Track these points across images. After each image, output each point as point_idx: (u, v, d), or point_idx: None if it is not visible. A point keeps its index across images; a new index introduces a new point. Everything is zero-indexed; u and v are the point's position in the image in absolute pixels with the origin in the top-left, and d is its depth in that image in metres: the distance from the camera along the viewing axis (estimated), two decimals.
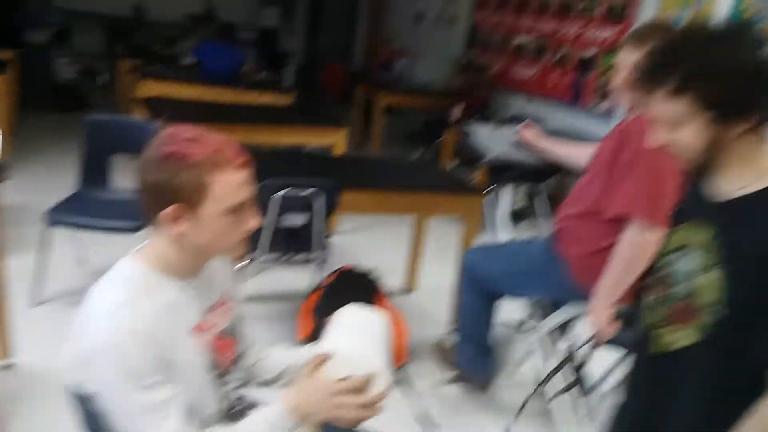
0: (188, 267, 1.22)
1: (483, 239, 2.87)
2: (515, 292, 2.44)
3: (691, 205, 1.32)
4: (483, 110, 6.07)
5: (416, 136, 6.91)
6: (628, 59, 1.97)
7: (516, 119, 5.98)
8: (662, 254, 1.36)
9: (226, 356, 1.31)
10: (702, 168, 1.24)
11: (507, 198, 2.67)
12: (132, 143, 3.26)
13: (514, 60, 6.53)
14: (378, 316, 1.45)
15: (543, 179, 2.70)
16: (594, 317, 2.09)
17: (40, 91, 6.42)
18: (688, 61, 1.16)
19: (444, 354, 2.80)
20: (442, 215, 4.01)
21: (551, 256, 2.23)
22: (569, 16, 5.81)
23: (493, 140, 2.68)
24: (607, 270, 2.02)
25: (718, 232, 1.22)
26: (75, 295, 3.04)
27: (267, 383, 1.49)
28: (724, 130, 1.17)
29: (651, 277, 1.39)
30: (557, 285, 2.22)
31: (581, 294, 2.13)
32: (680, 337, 1.28)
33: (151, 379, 1.09)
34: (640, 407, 1.41)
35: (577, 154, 2.38)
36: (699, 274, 1.24)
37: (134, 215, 2.93)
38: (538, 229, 2.49)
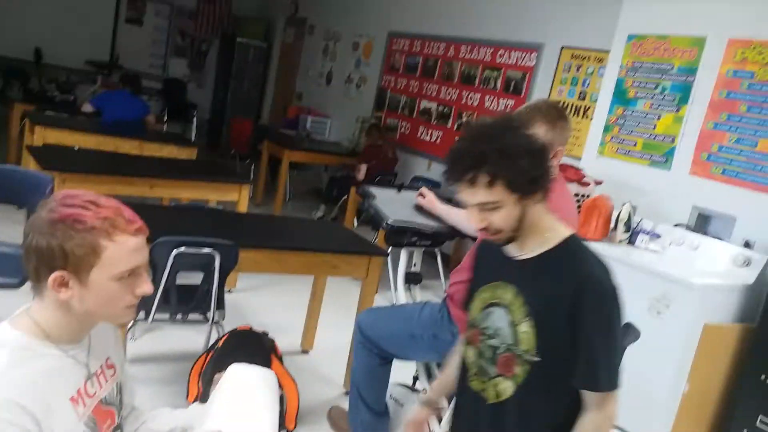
0: (70, 333, 1.18)
1: (380, 300, 2.91)
2: (406, 354, 2.48)
3: (494, 267, 1.51)
4: (387, 170, 6.24)
5: (321, 193, 6.97)
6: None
7: (417, 181, 6.19)
8: (474, 312, 1.54)
9: (105, 426, 1.26)
10: (510, 239, 1.43)
11: (404, 261, 2.73)
12: (20, 195, 3.14)
13: (419, 123, 6.79)
14: (265, 375, 1.45)
15: (439, 243, 2.78)
16: None
17: None
18: (490, 155, 1.33)
19: (339, 421, 2.77)
20: (341, 276, 4.04)
21: (444, 320, 2.29)
22: (472, 86, 6.15)
23: (392, 204, 2.76)
24: None
25: (518, 290, 1.43)
26: None
27: None
28: (526, 205, 1.39)
29: (467, 333, 1.56)
30: (446, 348, 2.27)
31: None
32: (506, 387, 1.45)
33: None
34: None
35: (464, 217, 2.49)
36: (517, 325, 1.42)
37: (16, 270, 2.76)
38: (434, 291, 2.57)
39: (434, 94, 6.64)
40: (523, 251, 1.45)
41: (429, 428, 1.79)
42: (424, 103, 6.77)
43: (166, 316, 2.83)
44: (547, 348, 1.39)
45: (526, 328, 1.41)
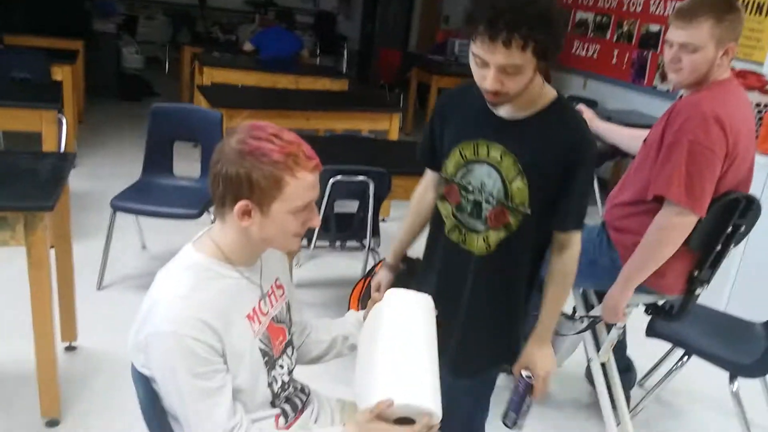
0: (246, 256, 1.27)
1: None
2: None
3: (472, 126, 1.54)
4: None
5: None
6: (674, 37, 1.91)
7: (572, 101, 5.85)
8: (450, 168, 1.58)
9: (278, 342, 1.35)
10: (508, 102, 1.43)
11: None
12: (193, 131, 3.42)
13: (573, 38, 6.35)
14: (421, 299, 1.47)
15: (597, 164, 2.61)
16: (608, 301, 2.05)
17: (106, 79, 6.68)
18: (530, 18, 1.28)
19: None
20: None
21: (603, 245, 2.18)
22: None
23: None
24: (635, 252, 1.97)
25: (506, 149, 1.49)
26: (136, 280, 3.20)
27: (315, 359, 1.55)
28: (538, 72, 1.40)
29: (448, 186, 1.61)
30: (605, 274, 2.17)
31: None
32: (498, 237, 1.56)
33: (207, 367, 1.15)
34: (434, 289, 1.63)
35: (633, 139, 2.31)
36: (511, 182, 1.50)
37: (195, 202, 3.04)
38: (590, 217, 2.44)
39: (590, 2, 6.13)
40: (512, 112, 1.49)
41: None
42: (579, 15, 6.28)
43: (326, 243, 2.98)
44: (537, 201, 1.50)
45: (519, 184, 1.49)
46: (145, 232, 3.57)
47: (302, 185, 1.18)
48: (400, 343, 1.33)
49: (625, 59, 5.69)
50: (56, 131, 3.44)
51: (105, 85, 6.66)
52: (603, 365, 2.37)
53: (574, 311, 2.52)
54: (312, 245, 2.90)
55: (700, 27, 1.85)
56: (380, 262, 1.85)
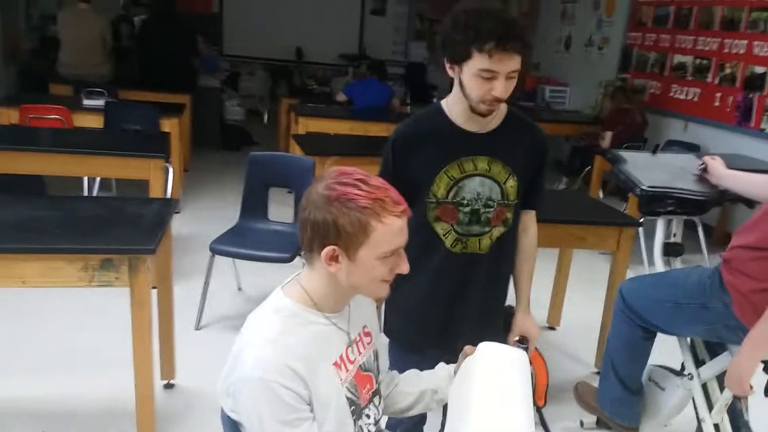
0: (334, 302, 1.27)
1: (633, 274, 2.70)
2: (670, 325, 2.23)
3: (450, 148, 1.72)
4: (636, 136, 5.75)
5: (563, 164, 6.69)
6: None
7: (672, 145, 5.60)
8: (440, 191, 1.73)
9: (365, 390, 1.33)
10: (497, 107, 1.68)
11: (661, 231, 2.47)
12: (287, 178, 3.54)
13: (671, 82, 6.13)
14: (516, 354, 1.43)
15: (702, 211, 2.46)
16: (733, 371, 1.89)
17: (210, 130, 7.08)
18: (522, 27, 1.60)
19: (586, 397, 2.63)
20: (588, 249, 3.83)
21: (714, 287, 2.02)
22: (736, 30, 5.36)
23: (647, 168, 2.51)
24: (762, 319, 1.80)
25: (491, 158, 1.72)
26: (232, 320, 3.29)
27: (402, 411, 1.51)
28: None
29: (441, 208, 1.75)
30: (717, 320, 2.02)
31: (742, 335, 1.92)
32: (500, 231, 1.80)
33: (294, 415, 1.14)
34: (442, 303, 1.83)
35: (762, 184, 2.12)
36: (505, 183, 1.74)
37: (288, 246, 3.12)
38: (695, 264, 2.31)
39: (689, 46, 5.92)
40: (481, 127, 1.72)
41: None
42: (678, 58, 6.07)
43: None
44: (522, 192, 1.79)
45: (512, 182, 1.76)
46: (241, 275, 3.69)
47: (390, 231, 1.17)
48: (495, 401, 1.28)
49: (729, 102, 5.42)
50: (163, 179, 3.66)
51: (209, 136, 7.06)
52: (716, 427, 2.17)
53: (683, 367, 2.34)
54: None
55: None
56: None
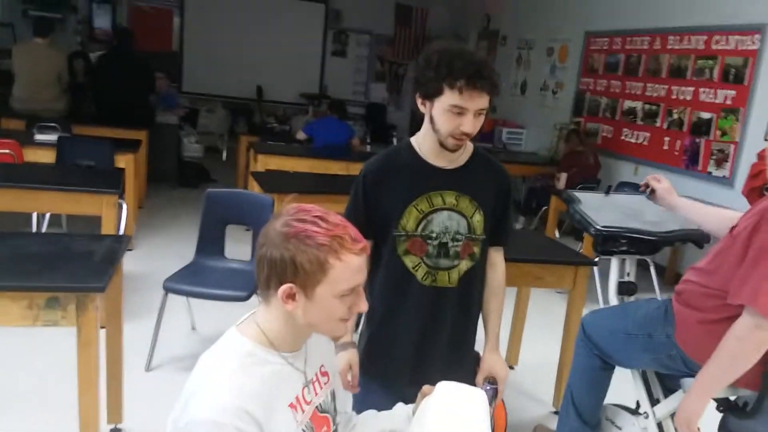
0: (291, 342, 1.24)
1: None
2: (621, 356, 2.26)
3: (417, 183, 1.78)
4: (589, 177, 5.91)
5: (520, 204, 6.82)
6: None
7: (624, 187, 5.76)
8: (409, 224, 1.78)
9: None
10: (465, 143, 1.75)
11: (615, 270, 2.52)
12: (245, 215, 3.49)
13: (622, 126, 6.35)
14: (475, 394, 1.42)
15: (654, 251, 2.52)
16: (681, 412, 1.91)
17: (167, 167, 6.98)
18: (491, 70, 1.67)
19: None
20: (545, 288, 3.87)
21: (660, 318, 2.07)
22: (683, 78, 5.61)
23: (600, 209, 2.57)
24: (709, 362, 1.84)
25: (459, 193, 1.78)
26: (184, 362, 3.18)
27: None
28: None
29: (410, 241, 1.79)
30: (661, 350, 2.06)
31: (687, 368, 1.95)
32: (467, 265, 1.83)
33: None
34: (414, 337, 1.85)
35: (722, 220, 2.15)
36: (471, 217, 1.80)
37: (244, 285, 3.06)
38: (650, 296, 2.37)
39: (639, 92, 6.16)
40: (449, 163, 1.79)
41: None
42: (628, 103, 6.31)
43: None
44: (488, 227, 1.84)
45: (478, 217, 1.81)
46: (195, 314, 3.59)
47: (348, 268, 1.16)
48: (452, 415, 1.29)
49: (677, 146, 5.63)
50: (116, 215, 3.57)
51: (166, 172, 6.96)
52: None
53: (638, 405, 2.36)
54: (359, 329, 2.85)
55: None
56: None
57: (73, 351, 2.03)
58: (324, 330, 1.25)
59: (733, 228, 1.95)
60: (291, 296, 1.16)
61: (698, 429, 1.91)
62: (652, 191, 2.37)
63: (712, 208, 2.30)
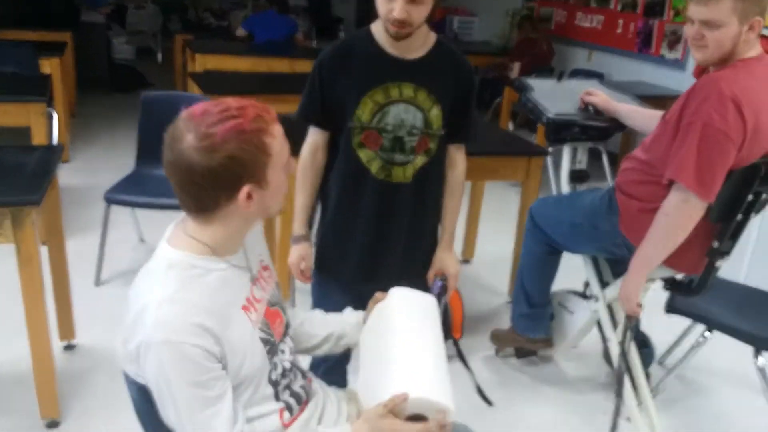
0: (233, 244, 1.18)
1: None
2: (569, 244, 2.34)
3: (375, 73, 1.70)
4: (543, 66, 5.82)
5: None
6: (694, 14, 1.83)
7: (577, 74, 5.71)
8: (365, 116, 1.71)
9: (276, 325, 1.27)
10: (409, 33, 1.64)
11: (567, 158, 2.51)
12: None
13: (575, 9, 6.20)
14: (426, 299, 1.43)
15: (605, 137, 2.51)
16: (622, 291, 2.00)
17: (97, 71, 6.56)
18: None
19: (500, 334, 2.69)
20: (500, 180, 3.88)
21: (604, 208, 2.11)
22: None
23: (553, 97, 2.52)
24: (644, 240, 1.92)
25: (416, 86, 1.70)
26: (135, 274, 3.10)
27: (305, 351, 1.48)
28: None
29: (365, 134, 1.73)
30: (606, 239, 2.12)
31: (632, 254, 2.01)
32: (422, 161, 1.77)
33: (206, 375, 1.06)
34: (369, 233, 1.81)
35: (655, 119, 2.18)
36: (429, 111, 1.73)
37: None
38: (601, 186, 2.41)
39: None
40: (408, 53, 1.70)
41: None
42: None
43: None
44: (447, 123, 1.77)
45: (436, 111, 1.74)
46: (142, 225, 3.48)
47: (279, 137, 1.11)
48: (412, 340, 1.30)
49: (631, 29, 5.55)
50: (46, 125, 3.35)
51: (97, 78, 6.55)
52: (621, 345, 2.28)
53: (586, 286, 2.43)
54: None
55: (720, 2, 1.75)
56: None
57: (14, 270, 1.93)
58: (274, 211, 1.19)
59: (665, 114, 1.99)
60: (249, 197, 1.09)
61: (639, 305, 2.00)
62: (592, 108, 2.39)
63: (650, 110, 2.33)
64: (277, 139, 1.11)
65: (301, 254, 1.83)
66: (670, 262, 1.95)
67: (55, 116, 3.52)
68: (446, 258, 1.89)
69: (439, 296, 1.77)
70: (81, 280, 2.87)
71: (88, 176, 4.20)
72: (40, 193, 1.93)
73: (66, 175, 4.12)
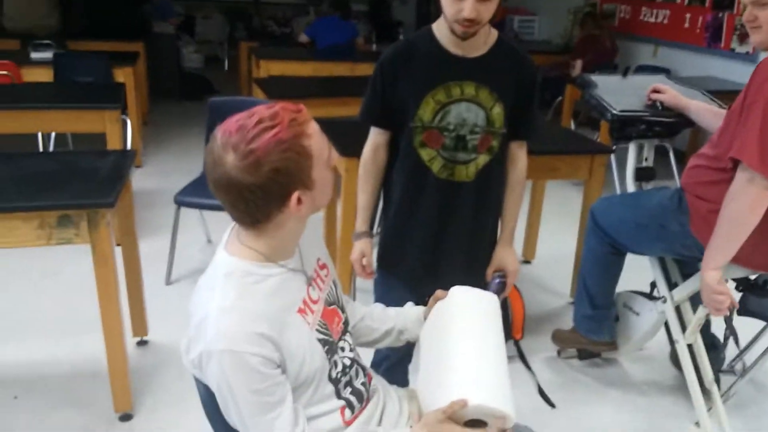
0: (287, 247, 1.20)
1: None
2: (634, 245, 2.26)
3: (436, 73, 1.69)
4: (606, 63, 5.68)
5: None
6: None
7: (643, 70, 5.54)
8: (426, 115, 1.70)
9: (335, 324, 1.29)
10: (476, 30, 1.63)
11: (633, 156, 2.44)
12: None
13: (640, 4, 6.02)
14: (487, 298, 1.41)
15: (673, 134, 2.43)
16: (702, 283, 1.89)
17: (168, 80, 6.82)
18: None
19: (561, 335, 2.64)
20: (562, 179, 3.81)
21: (673, 208, 2.04)
22: None
23: (617, 93, 2.46)
24: (713, 234, 1.83)
25: (478, 84, 1.69)
26: (202, 274, 3.21)
27: (365, 344, 1.49)
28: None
29: (426, 133, 1.72)
30: (674, 239, 2.05)
31: (700, 254, 1.93)
32: (485, 160, 1.76)
33: (266, 383, 1.09)
34: (430, 231, 1.82)
35: (720, 119, 2.10)
36: (491, 109, 1.71)
37: None
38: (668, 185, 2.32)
39: None
40: (470, 52, 1.70)
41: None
42: None
43: None
44: (509, 121, 1.75)
45: (498, 110, 1.72)
46: (209, 226, 3.60)
47: (317, 134, 1.12)
48: (473, 343, 1.28)
49: (699, 23, 5.34)
50: (120, 131, 3.51)
51: (168, 86, 6.81)
52: (689, 347, 2.20)
53: (653, 286, 2.35)
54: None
55: None
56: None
57: (90, 270, 2.03)
58: (324, 204, 1.21)
59: (730, 105, 1.92)
60: (299, 201, 1.11)
61: (725, 294, 1.86)
62: (661, 103, 2.32)
63: (721, 109, 2.23)
64: (314, 137, 1.10)
65: (363, 250, 1.85)
66: (743, 259, 1.86)
67: (129, 123, 3.69)
68: (505, 255, 1.87)
69: (498, 293, 1.76)
70: (153, 279, 2.99)
71: (160, 180, 4.37)
72: (114, 195, 2.01)
73: (139, 180, 4.31)
